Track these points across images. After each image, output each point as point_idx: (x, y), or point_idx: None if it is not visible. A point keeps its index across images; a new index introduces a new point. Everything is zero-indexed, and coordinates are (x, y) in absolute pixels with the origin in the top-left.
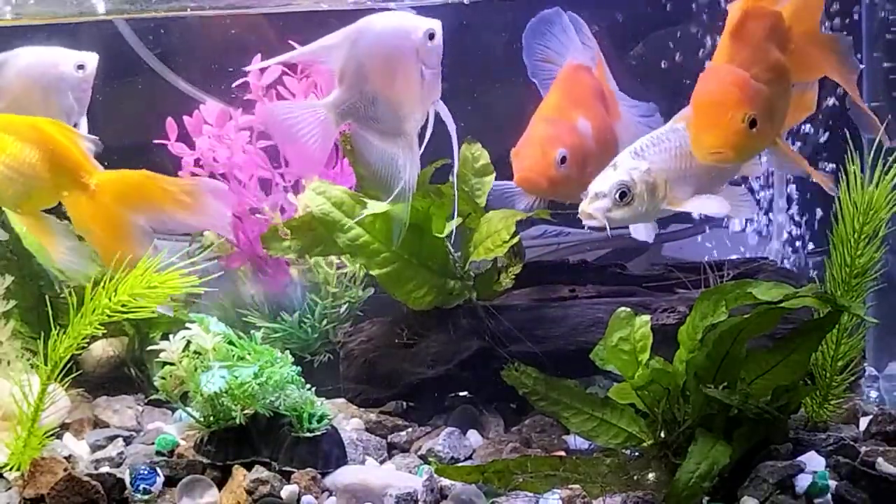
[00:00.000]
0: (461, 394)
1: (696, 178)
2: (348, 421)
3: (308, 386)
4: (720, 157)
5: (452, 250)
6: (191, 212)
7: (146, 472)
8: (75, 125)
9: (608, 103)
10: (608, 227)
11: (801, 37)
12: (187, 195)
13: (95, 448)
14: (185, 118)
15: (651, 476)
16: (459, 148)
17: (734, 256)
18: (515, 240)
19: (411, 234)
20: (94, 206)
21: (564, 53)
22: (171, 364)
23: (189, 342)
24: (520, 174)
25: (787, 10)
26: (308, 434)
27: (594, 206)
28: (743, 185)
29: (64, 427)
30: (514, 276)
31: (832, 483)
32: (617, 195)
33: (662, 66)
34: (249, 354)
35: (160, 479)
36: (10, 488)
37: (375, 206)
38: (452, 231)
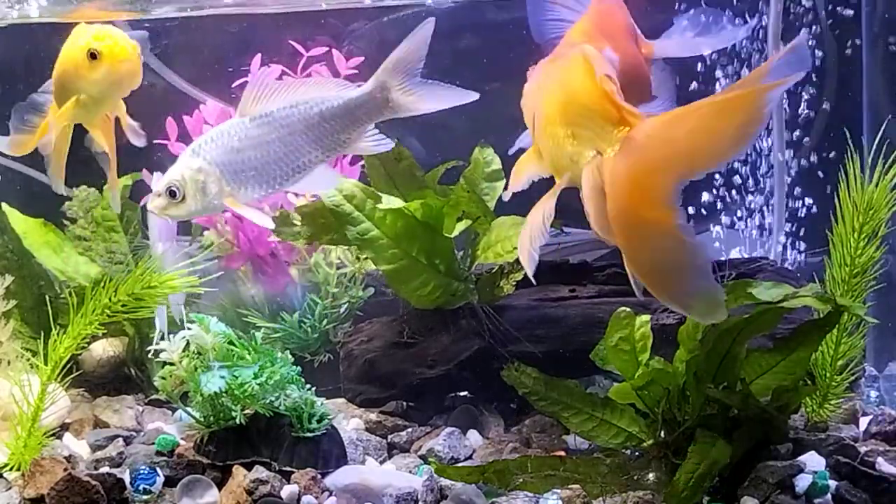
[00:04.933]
0: (461, 394)
1: (259, 172)
2: (348, 421)
3: (308, 386)
4: None
5: (457, 252)
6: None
7: (146, 472)
8: None
9: (639, 43)
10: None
11: None
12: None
13: (95, 448)
14: (185, 118)
15: (651, 476)
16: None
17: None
18: None
19: (422, 233)
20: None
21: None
22: (171, 364)
23: (189, 342)
24: None
25: None
26: (308, 434)
27: (153, 204)
28: None
29: (64, 427)
30: (514, 283)
31: (832, 483)
32: (167, 194)
33: None
34: (249, 354)
35: (160, 479)
36: (10, 488)
37: (390, 201)
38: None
